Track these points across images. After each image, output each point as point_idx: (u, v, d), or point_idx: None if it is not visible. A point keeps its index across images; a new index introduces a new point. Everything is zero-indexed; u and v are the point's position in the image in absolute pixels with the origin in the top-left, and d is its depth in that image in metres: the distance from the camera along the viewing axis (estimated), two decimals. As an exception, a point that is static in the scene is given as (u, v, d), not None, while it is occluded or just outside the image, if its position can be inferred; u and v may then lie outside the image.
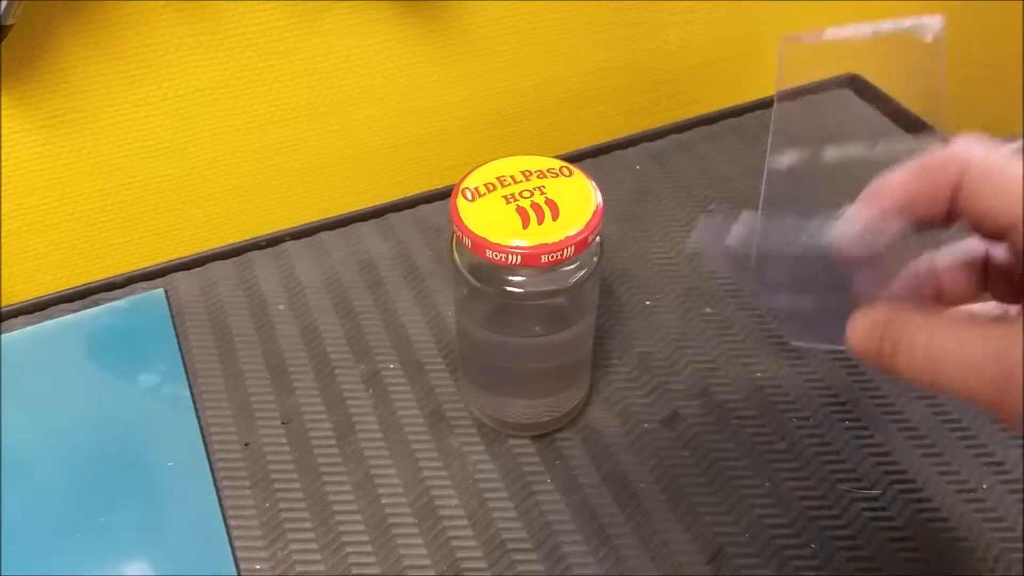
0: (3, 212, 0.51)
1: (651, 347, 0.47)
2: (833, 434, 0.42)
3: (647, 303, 0.49)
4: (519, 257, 0.33)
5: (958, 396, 0.24)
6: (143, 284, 0.50)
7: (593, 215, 0.35)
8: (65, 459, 0.42)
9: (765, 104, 0.63)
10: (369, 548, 0.38)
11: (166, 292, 0.49)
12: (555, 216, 0.34)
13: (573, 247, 0.34)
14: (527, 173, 0.36)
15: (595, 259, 0.37)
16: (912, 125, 0.62)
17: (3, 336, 0.47)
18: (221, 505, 0.40)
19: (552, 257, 0.34)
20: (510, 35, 0.58)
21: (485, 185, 0.36)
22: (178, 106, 0.51)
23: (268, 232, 0.53)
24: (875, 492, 0.40)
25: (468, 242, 0.34)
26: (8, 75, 0.46)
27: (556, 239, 0.33)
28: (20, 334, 0.47)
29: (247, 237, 0.53)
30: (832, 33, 0.29)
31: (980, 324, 0.24)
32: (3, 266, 0.53)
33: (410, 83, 0.57)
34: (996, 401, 0.23)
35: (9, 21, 0.41)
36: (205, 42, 0.49)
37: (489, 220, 0.34)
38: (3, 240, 0.52)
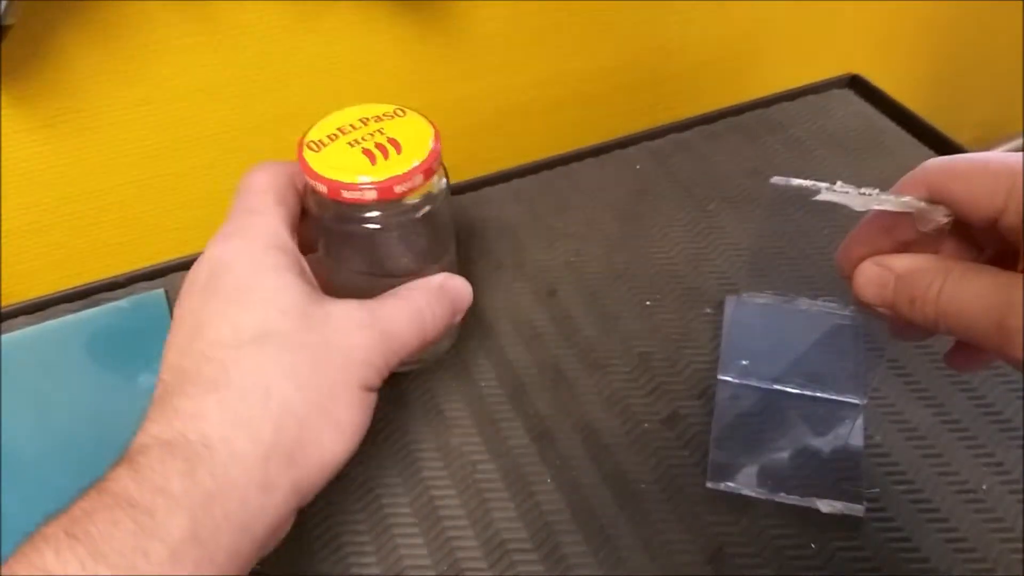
0: (3, 212, 0.51)
1: (651, 347, 0.47)
2: (833, 434, 0.42)
3: (647, 303, 0.49)
4: (374, 192, 0.36)
5: (966, 340, 0.28)
6: (144, 284, 0.50)
7: (433, 143, 0.38)
8: (65, 459, 0.42)
9: (765, 103, 0.63)
10: (369, 548, 0.38)
11: (167, 292, 0.49)
12: (399, 151, 0.37)
13: (422, 175, 0.37)
14: (364, 119, 0.39)
15: (443, 185, 0.40)
16: (912, 125, 0.62)
17: (3, 336, 0.47)
18: (221, 505, 0.40)
19: (404, 187, 0.36)
20: (510, 35, 0.58)
21: (328, 136, 0.38)
22: (178, 106, 0.51)
23: (268, 232, 0.53)
24: (874, 491, 0.40)
25: (324, 188, 0.36)
26: (8, 75, 0.46)
27: (404, 170, 0.36)
28: (20, 334, 0.47)
29: (247, 237, 0.53)
30: (826, 195, 0.31)
31: (984, 278, 0.27)
32: (3, 266, 0.53)
33: (410, 82, 0.57)
34: (998, 344, 0.26)
35: (9, 21, 0.41)
36: (205, 42, 0.49)
37: (339, 165, 0.36)
38: (3, 240, 0.52)
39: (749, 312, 0.43)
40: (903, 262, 0.29)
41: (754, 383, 0.43)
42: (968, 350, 0.32)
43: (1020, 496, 0.40)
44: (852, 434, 0.41)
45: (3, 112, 0.47)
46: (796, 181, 0.32)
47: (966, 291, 0.27)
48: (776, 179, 0.32)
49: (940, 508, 0.39)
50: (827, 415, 0.42)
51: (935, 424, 0.42)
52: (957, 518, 0.39)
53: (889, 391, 0.44)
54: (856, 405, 0.42)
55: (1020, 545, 0.38)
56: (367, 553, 0.38)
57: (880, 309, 0.30)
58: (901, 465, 0.41)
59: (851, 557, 0.38)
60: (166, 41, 0.48)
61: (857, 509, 0.39)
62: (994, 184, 0.27)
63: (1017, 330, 0.25)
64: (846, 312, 0.39)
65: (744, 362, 0.44)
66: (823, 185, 0.31)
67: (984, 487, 0.40)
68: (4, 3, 0.40)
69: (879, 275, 0.30)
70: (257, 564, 0.38)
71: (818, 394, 0.43)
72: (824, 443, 0.41)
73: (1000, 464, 0.41)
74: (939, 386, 0.44)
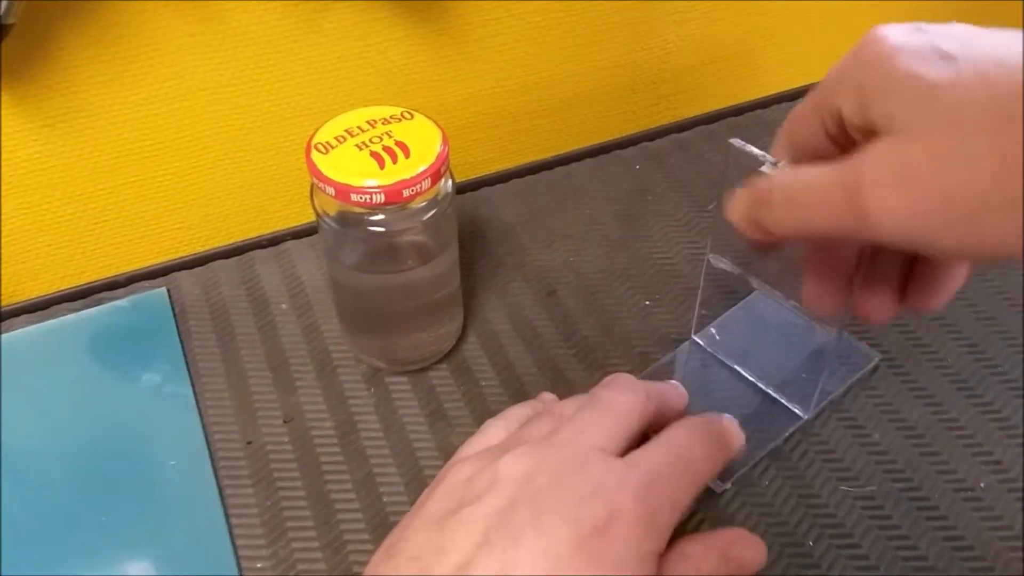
0: (4, 211, 0.51)
1: (650, 347, 0.47)
2: (831, 433, 0.42)
3: (647, 303, 0.49)
4: (382, 195, 0.36)
5: (821, 230, 0.27)
6: (145, 283, 0.50)
7: (441, 147, 0.38)
8: (66, 458, 0.42)
9: (765, 104, 0.63)
10: (370, 547, 0.39)
11: (168, 291, 0.50)
12: (407, 155, 0.37)
13: (429, 179, 0.37)
14: (372, 122, 0.39)
15: (449, 188, 0.40)
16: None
17: (4, 335, 0.47)
18: (223, 504, 0.40)
19: (412, 191, 0.36)
20: (510, 35, 0.58)
21: (336, 138, 0.38)
22: (180, 106, 0.51)
23: (270, 231, 0.53)
24: (871, 489, 0.40)
25: (332, 191, 0.36)
26: (9, 75, 0.46)
27: (412, 174, 0.37)
28: (22, 333, 0.47)
29: (249, 236, 0.53)
30: (768, 169, 0.32)
31: (823, 165, 0.27)
32: (4, 265, 0.53)
33: (410, 83, 0.57)
34: (848, 219, 0.26)
35: (10, 20, 0.41)
36: (206, 42, 0.49)
37: (347, 168, 0.37)
38: (4, 239, 0.52)
39: (722, 279, 0.43)
40: (759, 181, 0.30)
41: (721, 356, 0.45)
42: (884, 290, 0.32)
43: (1019, 495, 0.40)
44: (776, 437, 0.42)
45: (4, 112, 0.47)
46: (750, 148, 0.33)
47: (809, 178, 0.27)
48: (734, 140, 0.34)
49: (939, 507, 0.39)
50: (767, 414, 0.43)
51: (933, 423, 0.43)
52: (955, 516, 0.39)
53: (887, 389, 0.44)
54: (799, 417, 0.42)
55: (1019, 544, 0.38)
56: (368, 552, 0.38)
57: (747, 232, 0.31)
58: (899, 463, 0.41)
59: (850, 556, 0.38)
60: (167, 41, 0.48)
61: (718, 484, 0.40)
62: (809, 109, 0.29)
63: (865, 196, 0.25)
64: (788, 304, 0.39)
65: (713, 330, 0.46)
66: (769, 159, 0.32)
67: (982, 485, 0.40)
68: (4, 3, 0.40)
69: (740, 195, 0.31)
70: (259, 562, 0.38)
71: (769, 391, 0.43)
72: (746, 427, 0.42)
73: (999, 463, 0.41)
74: (937, 385, 0.44)
